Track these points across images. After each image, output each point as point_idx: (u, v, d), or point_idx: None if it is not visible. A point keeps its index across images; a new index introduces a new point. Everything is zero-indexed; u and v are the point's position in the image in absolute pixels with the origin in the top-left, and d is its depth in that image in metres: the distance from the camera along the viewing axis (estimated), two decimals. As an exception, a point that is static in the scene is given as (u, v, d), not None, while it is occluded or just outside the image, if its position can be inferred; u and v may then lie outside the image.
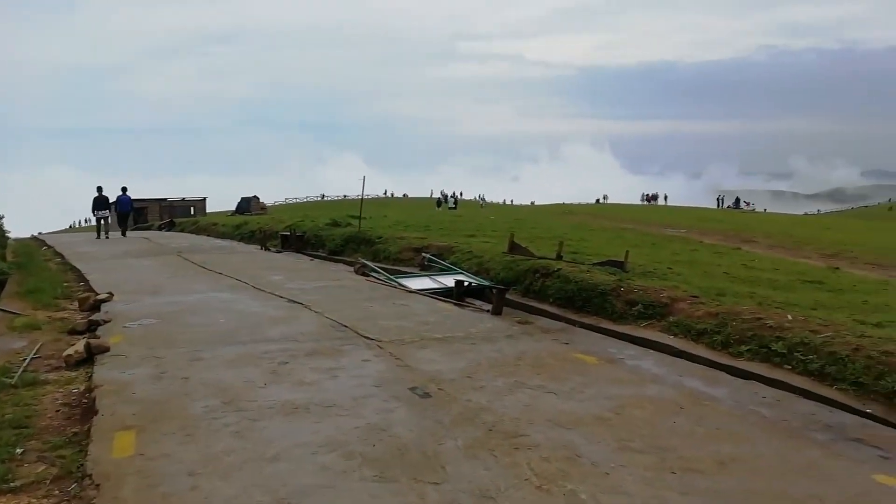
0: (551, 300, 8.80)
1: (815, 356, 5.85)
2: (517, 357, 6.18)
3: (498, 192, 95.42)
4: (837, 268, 13.75)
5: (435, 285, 9.95)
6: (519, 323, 7.93)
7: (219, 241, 20.01)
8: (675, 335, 7.11)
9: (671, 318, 7.44)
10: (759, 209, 63.36)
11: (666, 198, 58.26)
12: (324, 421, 4.47)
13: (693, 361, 6.39)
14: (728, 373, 6.01)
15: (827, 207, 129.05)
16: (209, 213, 42.51)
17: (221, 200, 49.89)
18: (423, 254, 11.84)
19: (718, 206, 58.81)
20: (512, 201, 77.60)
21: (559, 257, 9.90)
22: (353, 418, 4.51)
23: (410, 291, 9.61)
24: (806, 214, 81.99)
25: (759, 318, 6.72)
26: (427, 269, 11.39)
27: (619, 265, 9.51)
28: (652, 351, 6.72)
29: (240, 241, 19.75)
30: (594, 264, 9.74)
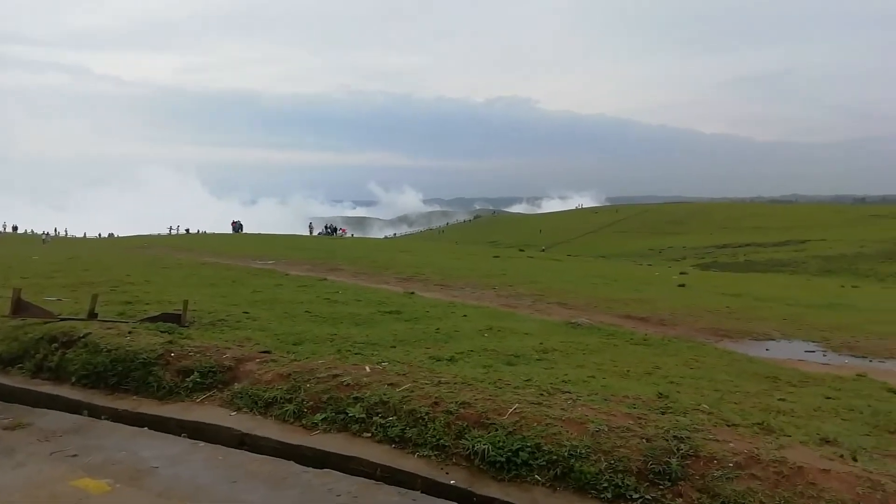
0: (74, 380, 6.30)
1: (395, 417, 4.97)
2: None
3: (65, 222, 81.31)
4: (413, 292, 14.33)
5: None
6: (5, 429, 5.26)
7: None
8: (240, 409, 5.54)
9: (236, 387, 5.85)
10: (348, 235, 68.15)
11: (239, 227, 56.66)
12: None
13: (258, 451, 4.89)
14: (300, 460, 4.68)
15: (401, 231, 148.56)
16: None
17: None
18: None
19: (311, 233, 60.80)
20: (99, 234, 66.86)
21: (93, 315, 7.38)
22: None
23: None
24: (385, 238, 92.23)
25: (336, 376, 5.64)
26: None
27: (176, 319, 7.53)
28: (203, 443, 4.99)
29: None
30: (143, 320, 7.54)
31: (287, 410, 5.36)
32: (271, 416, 5.41)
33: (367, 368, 5.85)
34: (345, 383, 5.48)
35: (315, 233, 62.11)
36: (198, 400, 5.81)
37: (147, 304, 9.93)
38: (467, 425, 4.69)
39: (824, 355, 9.85)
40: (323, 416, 5.21)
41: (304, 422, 5.24)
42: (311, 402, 5.36)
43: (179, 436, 5.22)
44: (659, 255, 63.67)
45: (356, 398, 5.25)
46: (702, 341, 10.43)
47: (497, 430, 4.59)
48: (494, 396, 5.10)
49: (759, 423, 5.01)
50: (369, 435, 4.93)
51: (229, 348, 6.59)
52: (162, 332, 7.04)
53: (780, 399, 6.40)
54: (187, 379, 6.00)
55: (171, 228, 62.89)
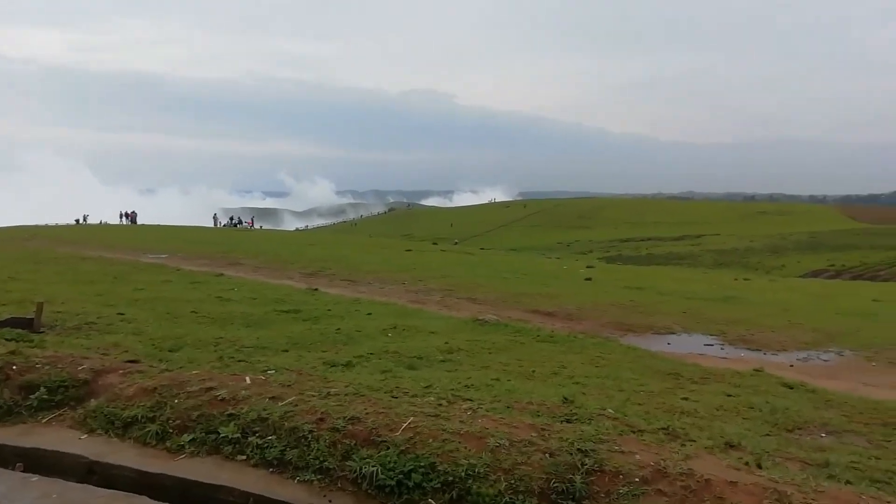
0: None
1: (274, 437, 4.38)
2: None
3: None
4: (316, 289, 13.63)
5: None
6: None
7: None
8: (93, 431, 4.77)
9: (91, 404, 5.06)
10: (256, 227, 65.56)
11: (133, 216, 52.53)
12: None
13: (109, 482, 4.17)
14: (157, 493, 4.02)
15: (314, 223, 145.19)
16: None
17: None
18: None
19: (215, 224, 57.99)
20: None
21: (-79, 321, 6.28)
22: None
23: None
24: (297, 230, 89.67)
25: (210, 389, 4.96)
26: None
27: (29, 324, 6.55)
28: (38, 478, 4.20)
29: None
30: (-14, 326, 6.51)
31: (149, 431, 4.64)
32: (130, 438, 4.67)
33: (248, 379, 5.21)
34: (219, 398, 4.82)
35: (220, 224, 59.32)
36: (43, 421, 4.98)
37: (3, 304, 8.77)
38: (355, 444, 4.18)
39: (722, 349, 10.07)
40: (191, 436, 4.54)
41: (168, 444, 4.55)
42: (179, 421, 4.68)
43: (13, 467, 4.40)
44: (567, 249, 65.45)
45: (231, 415, 4.61)
46: (607, 336, 10.43)
47: (388, 448, 4.11)
48: (388, 409, 4.61)
49: (664, 429, 4.83)
50: (244, 458, 4.33)
51: (88, 358, 5.75)
52: (7, 339, 6.09)
53: (683, 398, 6.32)
54: (31, 396, 5.13)
55: (82, 218, 54.50)
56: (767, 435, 5.25)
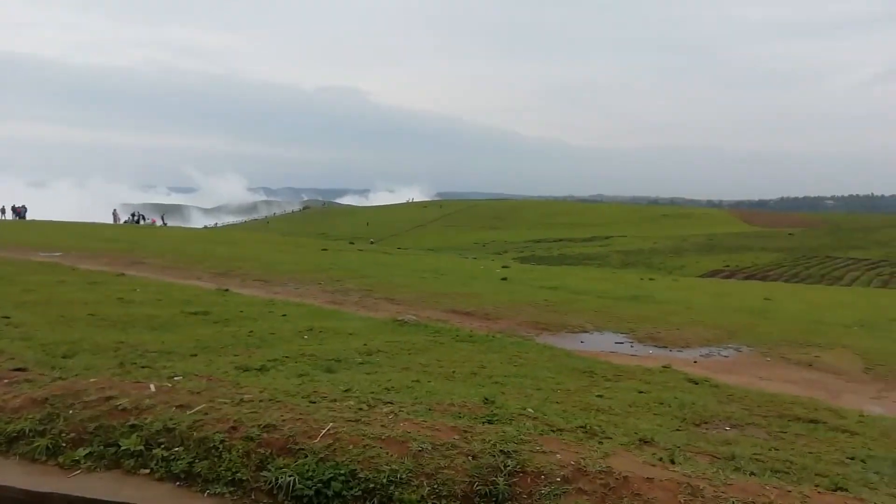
0: None
1: (181, 448, 4.10)
2: None
3: None
4: (227, 289, 13.07)
5: None
6: None
7: None
8: (-28, 449, 4.30)
9: (-30, 418, 4.56)
10: (160, 224, 62.34)
11: (21, 211, 48.40)
12: None
13: (-14, 504, 3.77)
14: (46, 515, 3.66)
15: (224, 220, 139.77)
16: None
17: None
18: None
19: (115, 221, 54.64)
20: None
21: None
22: None
23: None
24: (206, 227, 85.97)
25: (110, 398, 4.59)
26: None
27: None
28: None
29: None
30: None
31: (38, 446, 4.23)
32: (16, 454, 4.24)
33: (152, 387, 4.86)
34: (120, 407, 4.47)
35: (121, 221, 55.93)
36: None
37: None
38: (271, 453, 3.98)
39: (632, 346, 10.47)
40: (87, 450, 4.18)
41: (61, 460, 4.16)
42: (73, 434, 4.29)
43: None
44: (483, 249, 66.43)
45: (133, 426, 4.27)
46: (524, 336, 10.60)
47: (306, 456, 3.93)
48: (306, 415, 4.43)
49: (582, 427, 4.92)
50: (148, 472, 4.02)
51: (-37, 369, 5.19)
52: None
53: (598, 395, 6.48)
54: None
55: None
56: (678, 430, 5.46)
